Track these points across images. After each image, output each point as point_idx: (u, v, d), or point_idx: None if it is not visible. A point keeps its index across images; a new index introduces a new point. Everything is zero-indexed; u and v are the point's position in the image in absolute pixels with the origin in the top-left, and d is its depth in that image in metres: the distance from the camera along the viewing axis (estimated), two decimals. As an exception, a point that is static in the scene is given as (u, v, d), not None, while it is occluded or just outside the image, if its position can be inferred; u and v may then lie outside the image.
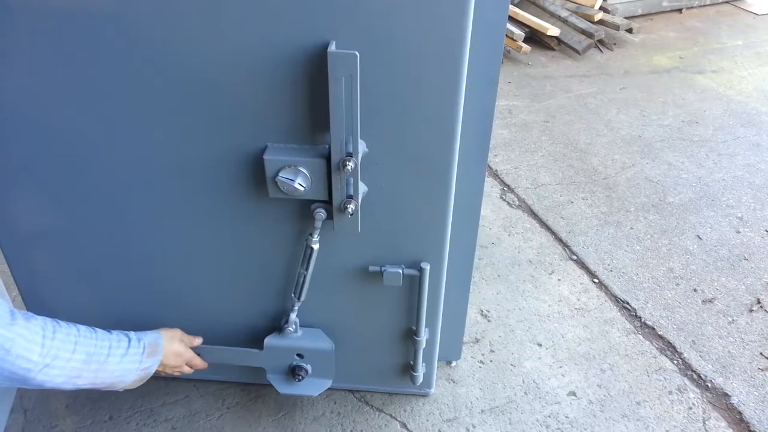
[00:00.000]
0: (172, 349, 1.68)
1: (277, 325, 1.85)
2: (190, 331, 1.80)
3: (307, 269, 1.66)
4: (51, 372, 1.29)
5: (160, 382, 2.17)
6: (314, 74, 1.35)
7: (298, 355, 1.85)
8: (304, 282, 1.69)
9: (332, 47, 1.29)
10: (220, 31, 1.32)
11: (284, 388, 1.89)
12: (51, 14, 1.30)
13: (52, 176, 1.58)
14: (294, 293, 1.73)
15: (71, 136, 1.50)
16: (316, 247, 1.62)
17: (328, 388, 1.91)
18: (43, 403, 2.12)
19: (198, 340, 1.82)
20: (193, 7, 1.29)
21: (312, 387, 1.89)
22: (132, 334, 1.55)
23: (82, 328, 1.41)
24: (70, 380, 1.35)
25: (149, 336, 1.60)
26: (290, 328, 1.81)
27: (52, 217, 1.67)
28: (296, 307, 1.77)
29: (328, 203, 1.53)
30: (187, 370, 1.76)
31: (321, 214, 1.54)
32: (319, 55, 1.32)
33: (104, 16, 1.31)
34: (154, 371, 1.60)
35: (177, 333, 1.74)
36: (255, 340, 1.88)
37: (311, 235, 1.60)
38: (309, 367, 1.86)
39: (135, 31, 1.33)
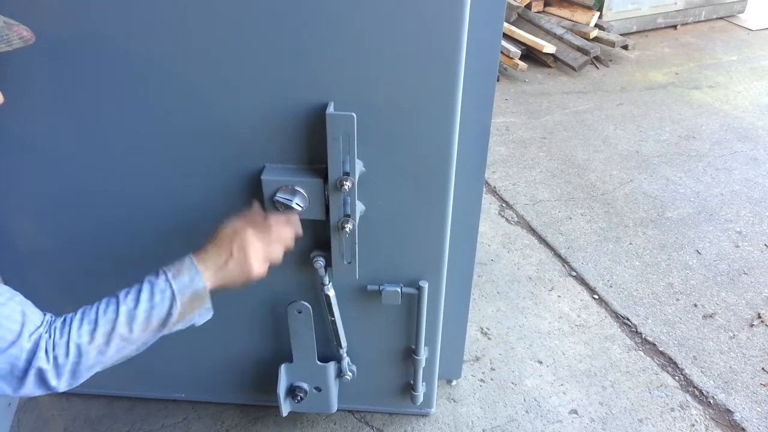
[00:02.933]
0: (236, 242, 1.36)
1: (275, 346, 1.84)
2: (195, 358, 1.79)
3: (333, 315, 1.70)
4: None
5: (159, 404, 2.15)
6: (311, 97, 1.36)
7: (317, 388, 1.88)
8: (337, 328, 1.73)
9: (330, 109, 1.32)
10: (221, 66, 1.34)
11: (281, 388, 1.86)
12: (57, 46, 1.31)
13: (48, 199, 1.58)
14: (335, 343, 1.77)
15: (67, 160, 1.51)
16: (331, 293, 1.66)
17: (328, 409, 1.90)
18: (41, 428, 2.10)
19: (277, 218, 1.44)
20: (197, 45, 1.32)
21: (285, 406, 1.89)
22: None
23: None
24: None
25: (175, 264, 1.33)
26: (347, 377, 1.87)
27: (48, 238, 1.67)
28: (344, 355, 1.82)
29: (326, 250, 1.57)
30: (274, 263, 1.43)
31: (320, 262, 1.59)
32: (316, 79, 1.33)
33: (112, 46, 1.32)
34: (204, 284, 1.30)
35: (243, 220, 1.40)
36: (250, 356, 1.87)
37: (323, 284, 1.64)
38: (307, 397, 1.87)
39: (139, 61, 1.34)
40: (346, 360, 1.84)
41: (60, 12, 1.29)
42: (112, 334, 1.22)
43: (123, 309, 1.23)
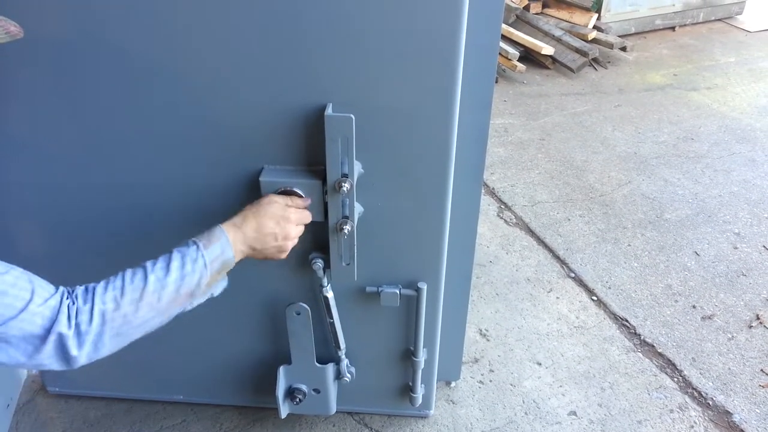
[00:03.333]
0: (280, 231, 1.37)
1: (275, 349, 1.84)
2: (194, 360, 1.79)
3: (332, 317, 1.70)
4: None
5: (158, 406, 2.15)
6: (310, 99, 1.36)
7: (315, 390, 1.87)
8: (335, 330, 1.73)
9: (329, 110, 1.32)
10: (220, 68, 1.34)
11: (280, 391, 1.86)
12: (56, 46, 1.31)
13: (45, 203, 1.58)
14: (334, 345, 1.77)
15: (65, 162, 1.51)
16: (330, 295, 1.66)
17: (327, 411, 1.90)
18: (39, 430, 2.09)
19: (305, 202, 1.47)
20: (198, 47, 1.32)
21: (284, 408, 1.88)
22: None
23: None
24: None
25: (204, 234, 1.32)
26: (346, 379, 1.86)
27: (44, 244, 1.66)
28: (343, 356, 1.81)
29: (325, 252, 1.56)
30: (295, 232, 1.42)
31: (319, 264, 1.59)
32: (315, 81, 1.33)
33: (113, 48, 1.32)
34: (233, 255, 1.32)
35: (288, 207, 1.41)
36: (248, 361, 1.86)
37: (321, 285, 1.64)
38: (306, 399, 1.87)
39: (139, 63, 1.34)
40: (345, 362, 1.83)
41: (59, 11, 1.29)
42: (140, 302, 1.19)
43: (152, 277, 1.21)
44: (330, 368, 1.83)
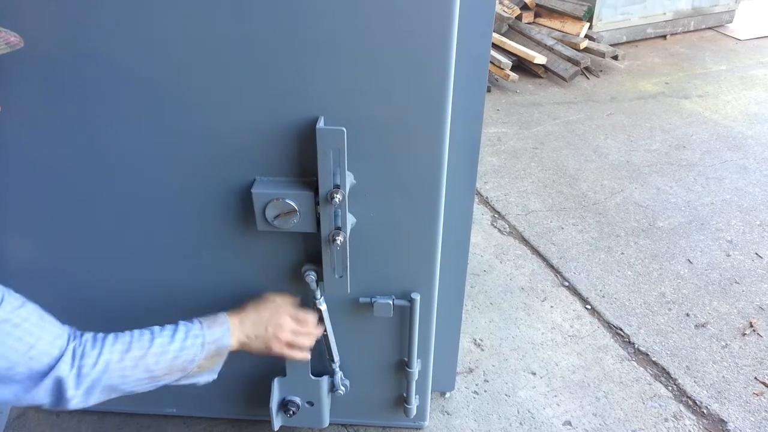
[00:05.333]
0: (273, 320, 1.44)
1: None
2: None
3: (326, 329, 1.69)
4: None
5: (150, 419, 2.13)
6: (302, 111, 1.36)
7: (309, 402, 1.86)
8: (329, 343, 1.72)
9: (320, 123, 1.33)
10: (212, 80, 1.34)
11: (274, 403, 1.84)
12: (51, 60, 1.31)
13: (41, 213, 1.57)
14: (328, 357, 1.76)
15: (59, 174, 1.50)
16: (323, 307, 1.65)
17: (320, 423, 1.89)
18: (30, 443, 2.08)
19: (312, 319, 1.56)
20: (189, 60, 1.32)
21: (277, 420, 1.87)
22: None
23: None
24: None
25: (209, 317, 1.40)
26: (339, 391, 1.85)
27: (40, 252, 1.65)
28: (337, 369, 1.80)
29: (318, 264, 1.56)
30: (292, 352, 1.51)
31: (312, 276, 1.58)
32: (306, 96, 1.33)
33: (106, 61, 1.32)
34: (230, 343, 1.37)
35: (286, 302, 1.50)
36: (245, 370, 1.85)
37: (315, 298, 1.63)
38: (299, 411, 1.86)
39: (132, 76, 1.34)
40: (339, 374, 1.82)
41: (55, 26, 1.29)
42: (141, 360, 1.23)
43: (157, 341, 1.26)
44: (325, 381, 1.82)
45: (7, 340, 1.06)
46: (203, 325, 1.35)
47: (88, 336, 1.20)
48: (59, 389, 1.13)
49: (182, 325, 1.32)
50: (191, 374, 1.34)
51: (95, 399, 1.20)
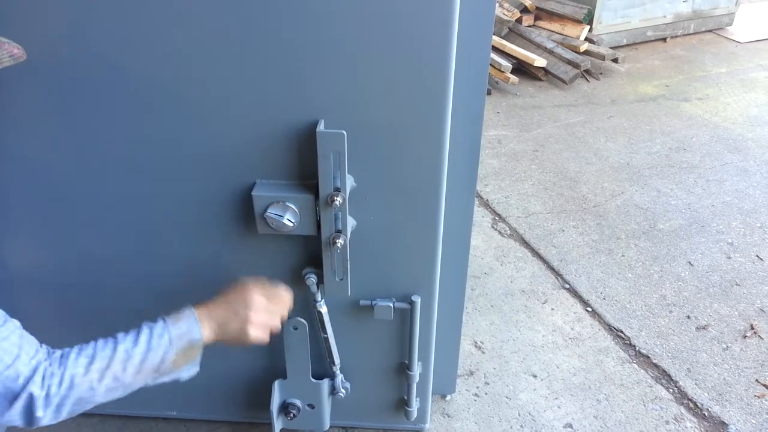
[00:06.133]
0: (243, 301, 1.39)
1: (271, 362, 1.83)
2: (188, 379, 1.77)
3: (326, 332, 1.69)
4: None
5: (151, 422, 2.13)
6: (302, 115, 1.36)
7: (310, 405, 1.86)
8: (330, 346, 1.72)
9: (321, 126, 1.33)
10: (214, 82, 1.34)
11: (274, 405, 1.84)
12: (50, 64, 1.31)
13: (42, 215, 1.57)
14: (329, 360, 1.76)
15: (61, 176, 1.50)
16: (324, 310, 1.65)
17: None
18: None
19: (283, 290, 1.50)
20: (191, 63, 1.32)
21: (279, 422, 1.87)
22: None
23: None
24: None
25: (174, 314, 1.36)
26: (341, 393, 1.85)
27: (41, 255, 1.66)
28: (338, 372, 1.80)
29: (318, 267, 1.56)
30: (268, 334, 1.44)
31: (312, 279, 1.58)
32: (306, 98, 1.33)
33: (107, 65, 1.32)
34: (201, 336, 1.33)
35: (253, 282, 1.45)
36: (246, 373, 1.85)
37: (315, 300, 1.63)
38: (300, 414, 1.86)
39: (134, 80, 1.35)
40: (339, 377, 1.82)
41: (57, 30, 1.29)
42: (107, 370, 1.22)
43: (120, 347, 1.24)
44: (325, 384, 1.82)
45: None
46: (167, 322, 1.32)
47: (57, 354, 1.20)
48: (30, 410, 1.14)
49: (146, 327, 1.30)
50: (168, 371, 1.31)
51: (66, 414, 1.20)
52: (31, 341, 1.17)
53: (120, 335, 1.27)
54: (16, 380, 1.12)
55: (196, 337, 1.33)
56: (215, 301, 1.40)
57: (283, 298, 1.48)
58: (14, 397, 1.12)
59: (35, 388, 1.13)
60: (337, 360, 1.76)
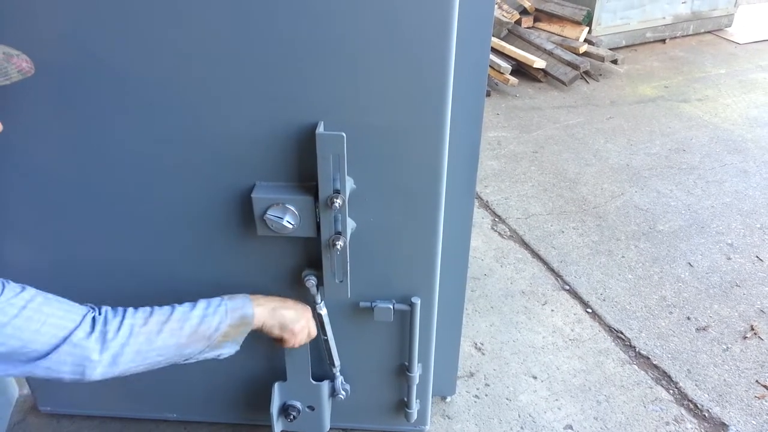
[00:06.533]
0: (299, 309, 1.55)
1: (272, 364, 1.83)
2: (187, 377, 1.78)
3: (326, 334, 1.69)
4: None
5: (151, 424, 2.13)
6: (302, 117, 1.36)
7: (310, 407, 1.86)
8: (330, 347, 1.72)
9: (320, 128, 1.33)
10: (214, 86, 1.34)
11: (274, 407, 1.84)
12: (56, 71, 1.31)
13: (42, 217, 1.57)
14: (328, 362, 1.76)
15: (60, 179, 1.50)
16: (324, 312, 1.65)
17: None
18: (30, 449, 2.07)
19: (314, 333, 1.65)
20: (189, 67, 1.32)
21: (278, 424, 1.86)
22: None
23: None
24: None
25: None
26: (340, 396, 1.85)
27: (41, 256, 1.66)
28: (338, 374, 1.80)
29: (318, 269, 1.56)
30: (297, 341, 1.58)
31: (312, 281, 1.58)
32: (307, 100, 1.34)
33: (106, 68, 1.32)
34: (254, 312, 1.43)
35: (309, 311, 1.61)
36: (247, 375, 1.85)
37: (315, 302, 1.63)
38: (299, 416, 1.85)
39: (133, 83, 1.35)
40: (339, 379, 1.82)
41: (54, 32, 1.29)
42: (165, 324, 1.27)
43: (179, 309, 1.32)
44: (325, 385, 1.82)
45: (16, 321, 1.09)
46: (224, 297, 1.42)
47: (107, 307, 1.23)
48: (80, 355, 1.15)
49: (202, 300, 1.38)
50: (215, 344, 1.37)
51: (123, 366, 1.21)
52: (64, 301, 1.18)
53: (175, 304, 1.33)
54: (53, 334, 1.13)
55: (248, 312, 1.42)
56: (272, 296, 1.53)
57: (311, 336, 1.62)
58: (54, 348, 1.13)
59: (81, 334, 1.15)
60: (337, 362, 1.76)
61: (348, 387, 1.87)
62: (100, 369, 1.18)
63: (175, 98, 1.37)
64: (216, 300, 1.39)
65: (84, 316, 1.18)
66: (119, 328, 1.20)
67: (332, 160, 1.35)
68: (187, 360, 1.35)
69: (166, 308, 1.31)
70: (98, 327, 1.18)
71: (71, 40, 1.30)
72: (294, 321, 1.52)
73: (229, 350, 1.43)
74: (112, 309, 1.23)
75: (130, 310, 1.26)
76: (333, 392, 1.85)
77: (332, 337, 1.71)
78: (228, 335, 1.38)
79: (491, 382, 2.35)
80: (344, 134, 1.32)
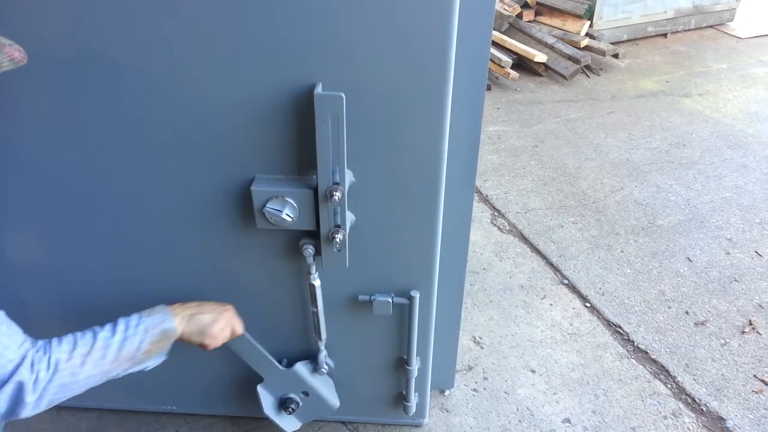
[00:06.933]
0: (209, 320, 1.55)
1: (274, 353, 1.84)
2: (186, 370, 1.79)
3: (316, 306, 1.67)
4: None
5: (150, 417, 2.14)
6: (301, 107, 1.36)
7: (304, 392, 1.85)
8: (318, 320, 1.70)
9: (319, 89, 1.31)
10: (207, 68, 1.33)
11: (269, 409, 1.84)
12: (48, 59, 1.31)
13: (40, 212, 1.57)
14: (315, 334, 1.74)
15: (59, 173, 1.50)
16: (317, 283, 1.63)
17: (320, 420, 1.89)
18: (30, 440, 2.08)
19: (240, 329, 1.66)
20: (185, 53, 1.31)
21: (288, 423, 1.86)
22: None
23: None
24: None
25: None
26: (323, 369, 1.82)
27: (39, 252, 1.66)
28: (322, 347, 1.78)
29: (315, 238, 1.53)
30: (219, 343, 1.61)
31: (309, 250, 1.55)
32: (305, 90, 1.33)
33: (93, 53, 1.32)
34: (174, 325, 1.45)
35: (229, 309, 1.62)
36: (247, 369, 1.85)
37: (309, 272, 1.61)
38: (300, 405, 1.85)
39: (125, 67, 1.34)
40: (323, 353, 1.80)
41: (50, 26, 1.29)
42: (88, 356, 1.29)
43: (100, 336, 1.33)
44: (301, 367, 1.81)
45: None
46: (142, 314, 1.43)
47: (40, 343, 1.25)
48: (19, 395, 1.17)
49: (121, 319, 1.40)
50: (139, 361, 1.40)
51: (47, 402, 1.23)
52: (17, 330, 1.20)
53: (96, 327, 1.35)
54: (5, 366, 1.15)
55: (169, 326, 1.45)
56: (188, 302, 1.56)
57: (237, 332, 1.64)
58: (2, 383, 1.15)
59: (25, 372, 1.17)
60: (323, 334, 1.74)
61: (331, 362, 1.84)
62: (28, 410, 1.20)
63: (173, 90, 1.36)
64: (134, 319, 1.40)
65: (27, 352, 1.20)
66: (48, 367, 1.22)
67: (331, 122, 1.32)
68: (113, 378, 1.39)
69: (88, 336, 1.32)
70: (35, 366, 1.20)
71: (67, 32, 1.30)
72: (211, 324, 1.54)
73: (155, 362, 1.46)
74: (44, 343, 1.25)
75: (54, 342, 1.26)
76: (315, 368, 1.82)
77: (322, 310, 1.68)
78: (150, 352, 1.41)
79: (490, 376, 2.36)
80: (343, 95, 1.29)
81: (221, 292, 1.71)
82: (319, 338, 1.76)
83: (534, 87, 4.87)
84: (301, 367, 1.81)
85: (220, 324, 1.56)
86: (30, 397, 1.18)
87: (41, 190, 1.54)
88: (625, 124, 4.28)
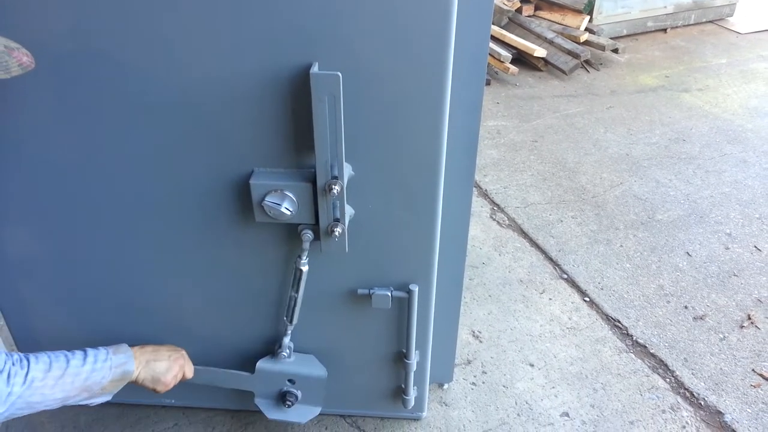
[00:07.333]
0: (172, 355, 1.66)
1: (270, 348, 1.84)
2: (188, 352, 1.79)
3: (297, 292, 1.65)
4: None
5: (149, 410, 2.14)
6: (298, 98, 1.36)
7: (289, 380, 1.84)
8: (295, 305, 1.68)
9: (315, 68, 1.30)
10: (205, 56, 1.33)
11: (273, 413, 1.87)
12: (46, 55, 1.31)
13: (40, 206, 1.57)
14: (286, 317, 1.72)
15: (58, 166, 1.50)
16: (305, 269, 1.61)
17: (319, 414, 1.89)
18: (30, 433, 2.09)
19: (190, 374, 1.76)
20: (176, 35, 1.30)
21: (301, 414, 1.86)
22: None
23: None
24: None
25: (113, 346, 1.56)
26: (284, 353, 1.80)
27: (40, 246, 1.66)
28: (289, 331, 1.76)
29: (314, 225, 1.52)
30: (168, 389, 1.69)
31: (308, 235, 1.54)
32: (303, 79, 1.33)
33: (91, 46, 1.32)
34: (134, 368, 1.53)
35: (182, 356, 1.72)
36: (246, 364, 1.86)
37: (300, 257, 1.60)
38: (299, 394, 1.84)
39: (121, 60, 1.34)
40: (288, 337, 1.77)
41: (50, 24, 1.29)
42: (60, 380, 1.32)
43: (72, 362, 1.37)
44: (263, 364, 1.81)
45: None
46: (109, 351, 1.48)
47: (17, 356, 1.28)
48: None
49: (91, 350, 1.44)
50: (94, 395, 1.44)
51: (6, 416, 1.26)
52: None
53: (69, 353, 1.39)
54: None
55: (129, 369, 1.51)
56: (146, 346, 1.62)
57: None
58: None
59: (1, 385, 1.21)
60: (295, 319, 1.71)
61: (291, 344, 1.80)
62: None
63: (171, 84, 1.36)
64: (102, 354, 1.46)
65: (5, 363, 1.22)
66: (24, 382, 1.25)
67: (328, 102, 1.31)
68: (66, 405, 1.41)
69: (62, 360, 1.35)
70: (11, 380, 1.23)
71: (66, 29, 1.30)
72: (165, 373, 1.61)
73: (101, 400, 1.49)
74: (22, 358, 1.28)
75: (32, 359, 1.29)
76: (276, 354, 1.80)
77: (301, 297, 1.66)
78: (106, 389, 1.45)
79: (488, 370, 2.36)
80: (339, 74, 1.28)
81: (219, 286, 1.71)
82: (290, 322, 1.72)
83: (533, 82, 4.86)
84: (264, 364, 1.81)
85: (173, 372, 1.64)
86: (2, 408, 1.22)
87: (41, 184, 1.54)
88: (624, 119, 4.28)
